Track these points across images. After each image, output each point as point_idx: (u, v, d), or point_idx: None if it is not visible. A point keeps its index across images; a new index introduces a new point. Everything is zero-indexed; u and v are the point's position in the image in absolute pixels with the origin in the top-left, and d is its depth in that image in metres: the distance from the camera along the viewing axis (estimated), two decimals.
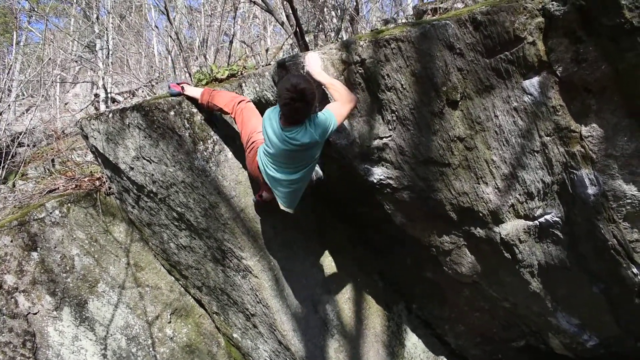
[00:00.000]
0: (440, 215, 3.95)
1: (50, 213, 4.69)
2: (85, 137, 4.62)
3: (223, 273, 4.54)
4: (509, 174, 3.66)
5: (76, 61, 11.87)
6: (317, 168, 3.87)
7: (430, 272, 4.73)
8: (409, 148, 3.68)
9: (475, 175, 3.70)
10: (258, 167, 3.50)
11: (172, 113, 3.87)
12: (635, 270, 3.66)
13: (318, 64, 3.45)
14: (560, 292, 4.13)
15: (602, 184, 3.40)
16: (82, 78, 12.53)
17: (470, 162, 3.66)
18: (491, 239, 3.95)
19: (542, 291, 4.14)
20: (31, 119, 8.88)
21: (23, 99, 11.60)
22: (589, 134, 3.33)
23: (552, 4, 3.11)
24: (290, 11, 5.56)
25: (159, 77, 9.86)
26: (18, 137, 8.18)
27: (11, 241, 4.47)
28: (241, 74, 4.46)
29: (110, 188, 5.07)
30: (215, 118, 4.09)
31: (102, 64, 9.68)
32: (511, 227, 3.86)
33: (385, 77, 3.48)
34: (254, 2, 7.11)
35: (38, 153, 8.23)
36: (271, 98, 3.97)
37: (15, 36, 11.95)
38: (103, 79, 9.45)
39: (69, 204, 4.82)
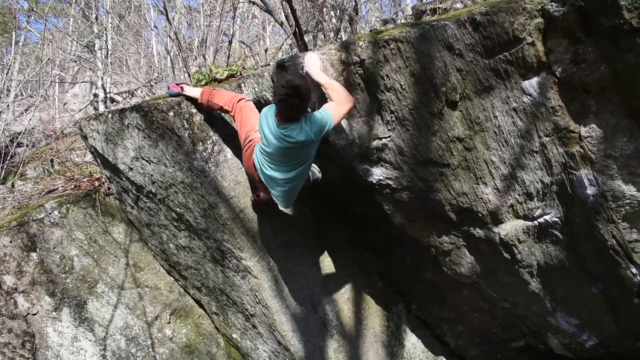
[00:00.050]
0: (440, 215, 3.96)
1: (50, 214, 4.69)
2: (85, 138, 4.61)
3: (222, 273, 4.54)
4: (508, 174, 3.66)
5: (75, 61, 11.86)
6: (316, 168, 3.87)
7: (430, 272, 4.73)
8: (408, 148, 3.68)
9: (475, 176, 3.70)
10: (254, 165, 3.49)
11: (171, 113, 3.87)
12: (634, 270, 3.66)
13: (317, 64, 3.45)
14: (560, 292, 4.14)
15: (601, 184, 3.41)
16: (81, 78, 12.52)
17: (470, 162, 3.66)
18: (490, 239, 3.95)
19: (541, 291, 4.14)
20: (30, 119, 8.87)
21: (22, 99, 11.60)
22: (588, 134, 3.33)
23: (552, 5, 3.12)
24: (290, 11, 5.57)
25: (158, 77, 9.86)
26: (17, 137, 8.17)
27: (10, 242, 4.46)
28: (240, 74, 4.45)
29: (109, 188, 5.06)
30: (214, 118, 4.09)
31: (101, 64, 9.67)
32: (510, 228, 3.86)
33: (385, 77, 3.48)
34: (253, 2, 7.12)
35: (37, 153, 8.23)
36: (270, 98, 3.97)
37: (14, 36, 11.92)
38: (102, 79, 9.44)
39: (68, 205, 4.82)
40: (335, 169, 4.04)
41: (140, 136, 4.06)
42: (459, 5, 5.28)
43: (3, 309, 4.30)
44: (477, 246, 4.09)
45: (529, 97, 3.39)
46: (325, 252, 4.72)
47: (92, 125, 4.38)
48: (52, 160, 7.37)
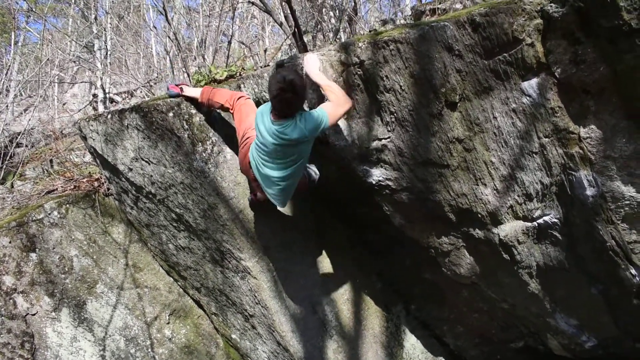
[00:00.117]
0: (439, 216, 3.96)
1: (49, 214, 4.69)
2: (84, 138, 4.61)
3: (222, 274, 4.54)
4: (507, 175, 3.66)
5: (74, 61, 11.85)
6: (314, 169, 3.87)
7: (429, 273, 4.73)
8: (407, 149, 3.68)
9: (474, 177, 3.70)
10: (249, 163, 3.49)
11: (171, 114, 3.87)
12: (633, 271, 3.66)
13: (316, 65, 3.45)
14: (559, 293, 4.14)
15: (601, 185, 3.40)
16: (80, 78, 12.52)
17: (469, 163, 3.66)
18: (490, 240, 3.95)
19: (540, 292, 4.14)
20: (29, 120, 8.87)
21: (21, 99, 11.59)
22: (588, 135, 3.33)
23: (551, 6, 3.11)
24: (289, 12, 5.57)
25: (157, 77, 9.86)
26: (16, 138, 8.17)
27: (10, 242, 4.46)
28: (240, 75, 4.45)
29: (108, 189, 5.07)
30: (214, 119, 4.09)
31: (101, 64, 9.66)
32: (510, 228, 3.86)
33: (384, 78, 3.48)
34: (253, 3, 7.12)
35: (36, 153, 8.22)
36: None
37: (13, 36, 11.91)
38: (101, 79, 9.43)
39: (68, 205, 4.82)
40: (335, 170, 4.04)
41: (140, 137, 4.06)
42: (458, 5, 5.28)
43: (2, 309, 4.30)
44: (476, 247, 4.09)
45: (528, 98, 3.39)
46: (325, 253, 4.72)
47: (92, 125, 4.38)
48: (51, 161, 7.37)
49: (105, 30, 10.11)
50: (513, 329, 4.86)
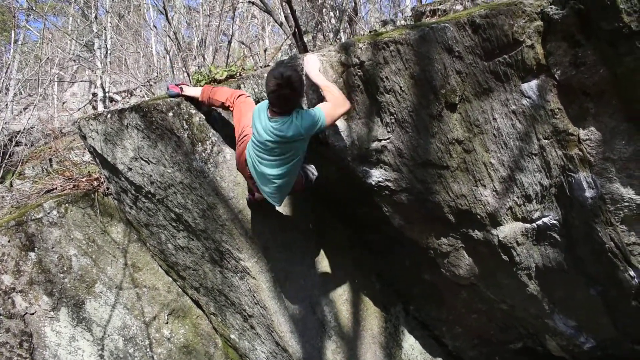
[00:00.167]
0: (439, 217, 3.96)
1: (48, 213, 4.69)
2: (84, 138, 4.61)
3: (221, 274, 4.54)
4: (507, 176, 3.66)
5: (74, 60, 11.84)
6: (312, 169, 3.87)
7: (428, 273, 4.74)
8: (407, 150, 3.68)
9: (474, 178, 3.71)
10: (245, 161, 3.48)
11: (170, 114, 3.87)
12: (632, 273, 3.67)
13: (316, 66, 3.45)
14: (558, 295, 4.14)
15: (600, 187, 3.41)
16: (80, 77, 12.51)
17: (469, 164, 3.66)
18: (489, 241, 3.95)
19: (539, 293, 4.15)
20: (29, 118, 8.85)
21: (21, 98, 11.57)
22: (587, 137, 3.33)
23: (551, 8, 3.12)
24: (289, 12, 5.57)
25: (157, 76, 9.86)
26: (15, 136, 8.15)
27: (9, 241, 4.46)
28: (240, 75, 4.45)
29: (108, 188, 5.06)
30: (213, 119, 4.08)
31: (100, 63, 9.65)
32: (509, 230, 3.87)
33: (384, 79, 3.49)
34: (253, 3, 7.12)
35: (35, 152, 8.20)
36: None
37: (13, 35, 11.89)
38: (101, 78, 9.43)
39: (67, 204, 4.82)
40: (335, 170, 4.05)
41: (140, 136, 4.06)
42: (458, 7, 5.28)
43: (1, 308, 4.29)
44: (475, 248, 4.09)
45: (528, 99, 3.39)
46: (324, 253, 4.72)
47: (91, 125, 4.38)
48: (50, 160, 7.36)
49: (105, 29, 10.11)
50: (512, 330, 4.86)
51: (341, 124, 3.68)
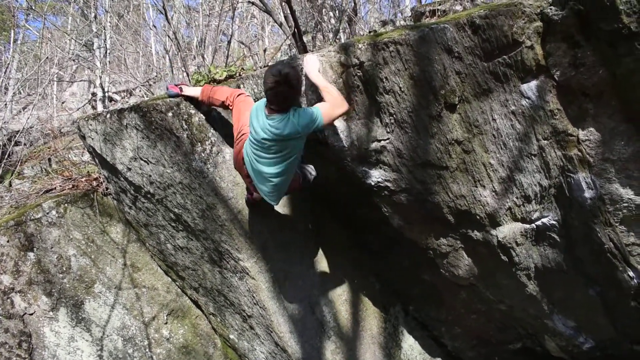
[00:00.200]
0: (438, 218, 3.96)
1: (47, 213, 4.68)
2: (83, 138, 4.60)
3: (220, 274, 4.54)
4: (506, 177, 3.67)
5: (73, 60, 11.83)
6: (310, 169, 3.87)
7: (427, 274, 4.74)
8: (406, 151, 3.68)
9: (473, 179, 3.71)
10: (243, 159, 3.48)
11: (170, 114, 3.86)
12: (631, 273, 3.67)
13: (316, 66, 3.45)
14: (557, 295, 4.15)
15: (599, 187, 3.42)
16: (79, 77, 12.50)
17: (468, 165, 3.66)
18: (488, 241, 3.95)
19: (538, 294, 4.15)
20: (28, 118, 8.84)
21: (20, 97, 11.57)
22: (586, 137, 3.34)
23: (551, 9, 3.12)
24: (289, 12, 5.56)
25: (156, 76, 9.86)
26: (15, 136, 8.14)
27: (8, 241, 4.45)
28: (239, 75, 4.45)
29: (107, 188, 5.06)
30: (213, 119, 4.08)
31: (100, 62, 9.65)
32: (508, 230, 3.87)
33: (384, 80, 3.49)
34: (252, 3, 7.12)
35: (35, 152, 8.20)
36: None
37: (12, 34, 11.87)
38: (100, 77, 9.42)
39: (66, 204, 4.81)
40: (334, 171, 4.04)
41: (139, 136, 4.05)
42: (458, 7, 5.28)
43: (0, 308, 4.29)
44: (474, 248, 4.09)
45: (527, 100, 3.40)
46: (324, 253, 4.72)
47: (91, 125, 4.37)
48: (49, 159, 7.35)
49: (104, 28, 10.10)
50: (511, 330, 4.86)
51: (341, 125, 3.68)
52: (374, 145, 3.71)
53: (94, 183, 5.19)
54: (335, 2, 7.49)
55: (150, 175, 4.19)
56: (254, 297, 4.35)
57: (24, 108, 10.97)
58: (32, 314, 4.43)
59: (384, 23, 6.88)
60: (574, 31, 3.11)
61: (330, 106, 3.21)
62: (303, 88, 3.70)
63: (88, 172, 5.48)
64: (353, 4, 7.40)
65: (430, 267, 4.50)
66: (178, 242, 4.61)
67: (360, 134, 3.69)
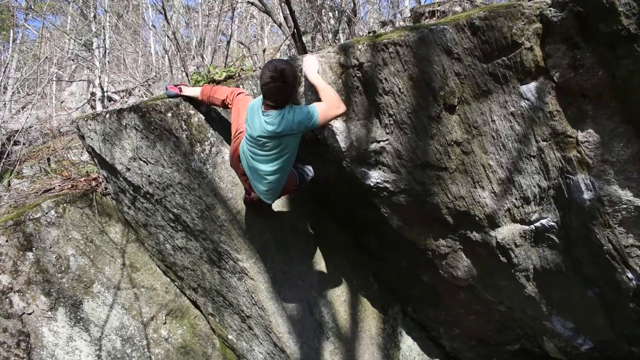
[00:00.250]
0: (437, 219, 3.96)
1: (46, 213, 4.68)
2: (82, 138, 4.60)
3: (219, 275, 4.54)
4: (505, 178, 3.67)
5: (73, 59, 11.83)
6: (308, 170, 3.87)
7: (426, 275, 4.74)
8: (406, 152, 3.68)
9: (472, 180, 3.71)
10: (239, 157, 3.48)
11: (169, 114, 3.86)
12: (630, 275, 3.68)
13: (315, 67, 3.45)
14: (555, 296, 4.15)
15: (598, 189, 3.42)
16: (78, 76, 12.49)
17: (467, 166, 3.66)
18: (487, 243, 3.96)
19: (537, 295, 4.15)
20: (27, 117, 8.84)
21: (19, 97, 11.56)
22: (585, 139, 3.34)
23: (550, 10, 3.13)
24: (288, 12, 5.56)
25: (155, 76, 9.85)
26: (14, 136, 8.13)
27: (6, 241, 4.45)
28: (239, 75, 4.45)
29: (106, 188, 5.05)
30: (212, 119, 4.08)
31: (99, 62, 9.64)
32: (507, 231, 3.87)
33: (383, 81, 3.49)
34: (252, 3, 7.11)
35: (34, 152, 8.19)
36: None
37: (11, 34, 11.88)
38: (99, 77, 9.42)
39: (65, 204, 4.81)
40: (333, 171, 4.04)
41: (138, 137, 4.05)
42: (457, 8, 5.28)
43: None
44: (473, 250, 4.10)
45: (526, 101, 3.40)
46: (323, 254, 4.72)
47: (90, 125, 4.37)
48: (48, 159, 7.35)
49: (104, 28, 10.10)
50: (509, 331, 4.87)
51: (340, 125, 3.69)
52: (373, 146, 3.71)
53: (93, 183, 5.18)
54: (335, 2, 7.50)
55: (149, 176, 4.19)
56: (252, 297, 4.35)
57: (23, 107, 10.97)
58: (30, 314, 4.42)
59: (384, 24, 6.87)
60: (573, 33, 3.11)
61: (327, 106, 3.21)
62: (302, 89, 3.70)
63: (87, 172, 5.48)
64: (352, 5, 7.41)
65: (429, 267, 4.50)
66: (177, 243, 4.61)
67: (359, 134, 3.69)
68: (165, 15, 6.63)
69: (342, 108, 3.26)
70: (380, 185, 3.88)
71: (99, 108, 9.32)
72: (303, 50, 5.55)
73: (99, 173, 5.04)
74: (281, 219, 4.39)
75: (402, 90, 3.49)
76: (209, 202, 4.05)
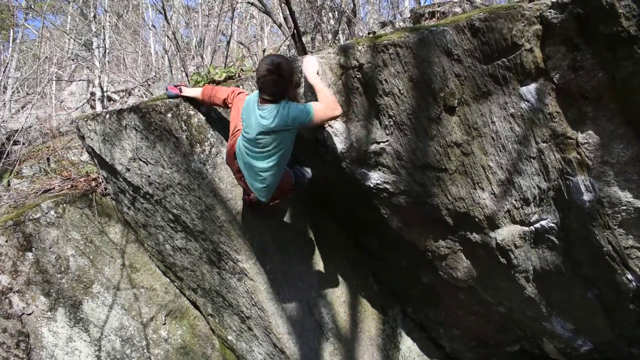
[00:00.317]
0: (437, 220, 3.96)
1: (46, 213, 4.68)
2: (82, 138, 4.60)
3: (218, 275, 4.54)
4: (505, 179, 3.67)
5: (72, 59, 11.83)
6: (305, 171, 3.86)
7: (426, 276, 4.74)
8: (406, 153, 3.68)
9: (472, 181, 3.71)
10: (235, 153, 3.48)
11: (169, 115, 3.86)
12: (629, 276, 3.68)
13: (315, 68, 3.45)
14: (555, 298, 4.15)
15: (598, 190, 3.42)
16: (78, 76, 12.49)
17: (467, 167, 3.66)
18: (487, 244, 3.96)
19: (537, 296, 4.15)
20: (27, 117, 8.84)
21: (19, 96, 11.56)
22: (585, 140, 3.34)
23: (550, 12, 3.13)
24: (288, 13, 5.56)
25: (155, 76, 9.85)
26: (13, 135, 8.13)
27: (6, 241, 4.45)
28: (239, 76, 4.45)
29: (106, 189, 5.05)
30: (212, 119, 4.08)
31: (99, 62, 9.65)
32: (507, 233, 3.87)
33: (383, 82, 3.49)
34: (252, 3, 7.11)
35: (33, 151, 8.19)
36: None
37: (11, 33, 11.89)
38: (99, 77, 9.43)
39: (65, 205, 4.80)
40: (333, 172, 4.04)
41: (138, 137, 4.05)
42: (457, 9, 5.28)
43: None
44: (473, 251, 4.10)
45: (526, 103, 3.40)
46: (322, 255, 4.72)
47: (90, 125, 4.37)
48: (48, 159, 7.35)
49: (103, 28, 10.11)
50: (509, 332, 4.87)
51: (340, 126, 3.69)
52: (373, 147, 3.71)
53: (93, 183, 5.18)
54: (335, 3, 7.50)
55: (149, 176, 4.19)
56: (252, 298, 4.35)
57: (22, 107, 10.97)
58: (30, 314, 4.42)
59: (383, 24, 6.88)
60: (573, 34, 3.11)
61: (323, 107, 3.22)
62: (302, 90, 3.70)
63: (87, 172, 5.47)
64: (352, 5, 7.41)
65: (429, 268, 4.50)
66: (177, 243, 4.61)
67: (359, 135, 3.69)
68: (165, 15, 6.63)
69: (338, 110, 3.27)
70: (380, 187, 3.88)
71: (98, 108, 9.33)
72: (303, 51, 5.55)
73: (99, 173, 5.04)
74: (281, 220, 4.39)
75: (402, 92, 3.49)
76: (208, 202, 4.04)
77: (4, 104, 9.45)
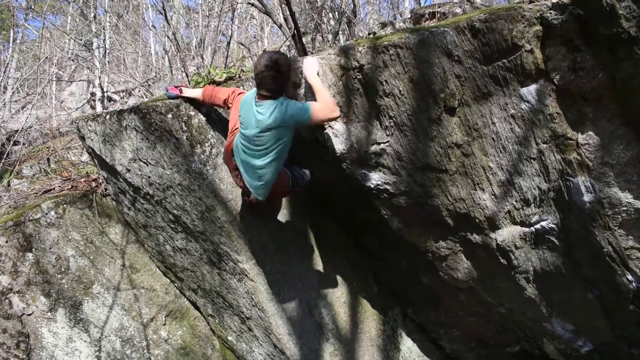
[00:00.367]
0: (437, 221, 3.96)
1: (46, 214, 4.68)
2: (82, 138, 4.60)
3: (219, 276, 4.54)
4: (505, 180, 3.67)
5: (73, 59, 11.83)
6: (303, 172, 3.86)
7: (426, 276, 4.74)
8: (406, 154, 3.68)
9: (472, 182, 3.71)
10: (232, 151, 3.48)
11: (169, 116, 3.86)
12: (630, 277, 3.68)
13: (315, 69, 3.45)
14: (555, 298, 4.15)
15: (598, 191, 3.42)
16: (78, 76, 12.49)
17: (467, 168, 3.66)
18: (487, 244, 3.95)
19: (537, 297, 4.15)
20: (27, 117, 8.84)
21: (19, 97, 11.55)
22: (586, 141, 3.34)
23: (550, 13, 3.13)
24: (288, 13, 5.56)
25: (155, 76, 9.85)
26: (13, 136, 8.13)
27: (6, 242, 4.45)
28: (239, 76, 4.44)
29: (106, 189, 5.05)
30: (213, 120, 4.08)
31: (99, 62, 9.66)
32: (507, 233, 3.87)
33: (384, 83, 3.49)
34: (252, 4, 7.12)
35: (33, 152, 8.20)
36: None
37: (11, 33, 11.89)
38: (99, 77, 9.43)
39: (65, 205, 4.81)
40: (333, 173, 4.04)
41: (138, 138, 4.05)
42: (458, 10, 5.28)
43: None
44: (473, 252, 4.09)
45: (527, 104, 3.40)
46: (322, 255, 4.72)
47: (90, 126, 4.37)
48: (48, 159, 7.35)
49: (104, 28, 10.11)
50: (509, 333, 4.87)
51: (340, 127, 3.69)
52: (374, 148, 3.71)
53: (93, 184, 5.18)
54: (335, 3, 7.50)
55: (149, 177, 4.19)
56: (252, 298, 4.35)
57: (22, 107, 10.98)
58: (30, 315, 4.42)
59: (384, 25, 6.87)
60: (573, 35, 3.12)
61: (322, 107, 3.23)
62: (302, 90, 3.70)
63: (87, 172, 5.47)
64: (352, 6, 7.41)
65: (429, 269, 4.50)
66: (177, 244, 4.61)
67: (360, 136, 3.69)
68: (166, 16, 6.64)
69: (336, 112, 3.28)
70: (381, 187, 3.88)
71: (98, 108, 9.33)
72: (303, 51, 5.55)
73: (99, 174, 5.04)
74: (280, 220, 4.39)
75: (402, 93, 3.49)
76: (209, 203, 4.04)
77: (4, 104, 9.46)
